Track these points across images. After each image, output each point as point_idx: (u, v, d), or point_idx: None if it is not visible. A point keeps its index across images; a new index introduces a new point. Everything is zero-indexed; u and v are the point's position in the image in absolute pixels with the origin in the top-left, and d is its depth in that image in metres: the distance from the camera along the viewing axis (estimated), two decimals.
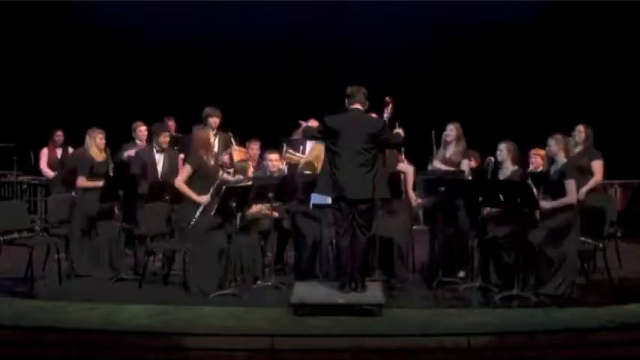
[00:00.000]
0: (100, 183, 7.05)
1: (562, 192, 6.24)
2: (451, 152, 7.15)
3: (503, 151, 6.81)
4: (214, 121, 7.48)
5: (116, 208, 7.22)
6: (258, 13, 10.70)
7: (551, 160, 6.53)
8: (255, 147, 7.83)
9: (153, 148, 7.55)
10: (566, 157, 6.38)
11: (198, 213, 6.34)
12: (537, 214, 6.46)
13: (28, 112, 10.80)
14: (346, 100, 6.09)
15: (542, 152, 6.94)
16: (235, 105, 10.21)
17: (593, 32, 10.42)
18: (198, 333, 5.26)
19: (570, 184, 6.23)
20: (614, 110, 10.17)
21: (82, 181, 7.20)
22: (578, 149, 7.12)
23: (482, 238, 6.69)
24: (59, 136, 8.93)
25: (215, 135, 7.42)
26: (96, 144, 7.27)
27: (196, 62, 10.88)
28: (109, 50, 10.94)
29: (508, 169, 6.79)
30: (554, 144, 6.40)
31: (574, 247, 6.29)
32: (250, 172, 7.35)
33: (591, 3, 10.20)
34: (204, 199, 6.39)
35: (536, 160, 7.07)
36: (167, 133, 7.68)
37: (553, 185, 6.35)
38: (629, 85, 10.35)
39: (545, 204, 6.30)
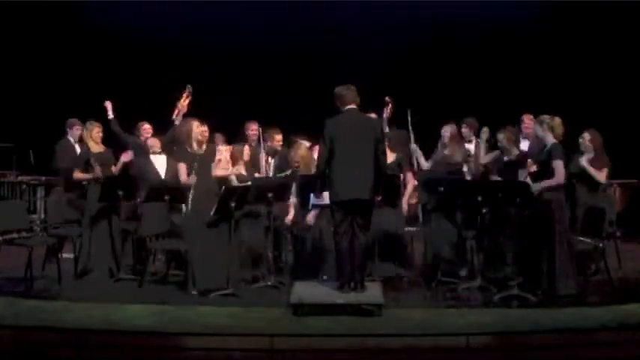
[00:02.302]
0: (93, 174, 7.07)
1: (550, 173, 6.20)
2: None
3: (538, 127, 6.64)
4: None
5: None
6: (258, 13, 10.70)
7: (543, 144, 6.44)
8: (254, 127, 7.77)
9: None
10: (555, 137, 6.33)
11: (190, 198, 6.40)
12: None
13: (27, 112, 10.80)
14: (338, 101, 6.03)
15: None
16: (234, 105, 10.24)
17: (592, 33, 10.42)
18: (198, 333, 5.25)
19: (558, 165, 6.19)
20: (614, 110, 10.16)
21: (76, 174, 7.23)
22: (590, 155, 7.09)
23: (482, 238, 6.70)
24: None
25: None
26: (92, 137, 7.27)
27: (196, 62, 10.87)
28: (108, 50, 10.94)
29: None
30: (539, 127, 6.37)
31: (564, 239, 6.26)
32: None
33: (591, 3, 10.20)
34: (187, 179, 6.42)
35: (529, 124, 7.19)
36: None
37: (542, 166, 6.30)
38: (628, 86, 10.34)
39: (536, 186, 6.22)
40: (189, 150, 6.54)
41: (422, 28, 10.52)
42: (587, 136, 7.15)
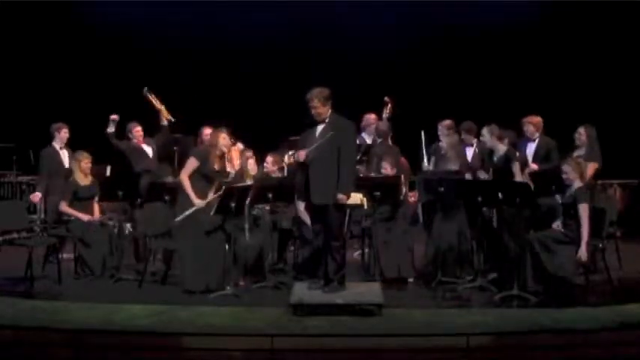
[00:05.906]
0: (81, 215, 7.05)
1: (576, 215, 6.21)
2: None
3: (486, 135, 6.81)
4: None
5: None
6: (257, 12, 10.70)
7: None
8: (249, 154, 7.77)
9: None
10: (582, 181, 6.34)
11: (188, 212, 6.34)
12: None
13: (28, 112, 10.80)
14: (327, 105, 6.07)
15: (535, 120, 7.20)
16: (234, 105, 10.24)
17: (593, 32, 10.42)
18: (198, 333, 5.26)
19: (583, 209, 6.17)
20: (614, 110, 10.17)
21: (63, 207, 7.15)
22: (581, 152, 7.07)
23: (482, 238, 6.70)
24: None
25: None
26: (81, 168, 7.19)
27: (196, 62, 10.88)
28: (108, 50, 10.93)
29: (501, 150, 6.76)
30: (571, 170, 6.34)
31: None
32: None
33: (591, 3, 10.20)
34: (198, 202, 6.36)
35: (529, 129, 7.26)
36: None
37: (567, 208, 6.33)
38: (629, 85, 10.35)
39: (583, 251, 6.15)
40: (209, 155, 6.50)
41: (422, 28, 10.52)
42: (582, 131, 7.14)
